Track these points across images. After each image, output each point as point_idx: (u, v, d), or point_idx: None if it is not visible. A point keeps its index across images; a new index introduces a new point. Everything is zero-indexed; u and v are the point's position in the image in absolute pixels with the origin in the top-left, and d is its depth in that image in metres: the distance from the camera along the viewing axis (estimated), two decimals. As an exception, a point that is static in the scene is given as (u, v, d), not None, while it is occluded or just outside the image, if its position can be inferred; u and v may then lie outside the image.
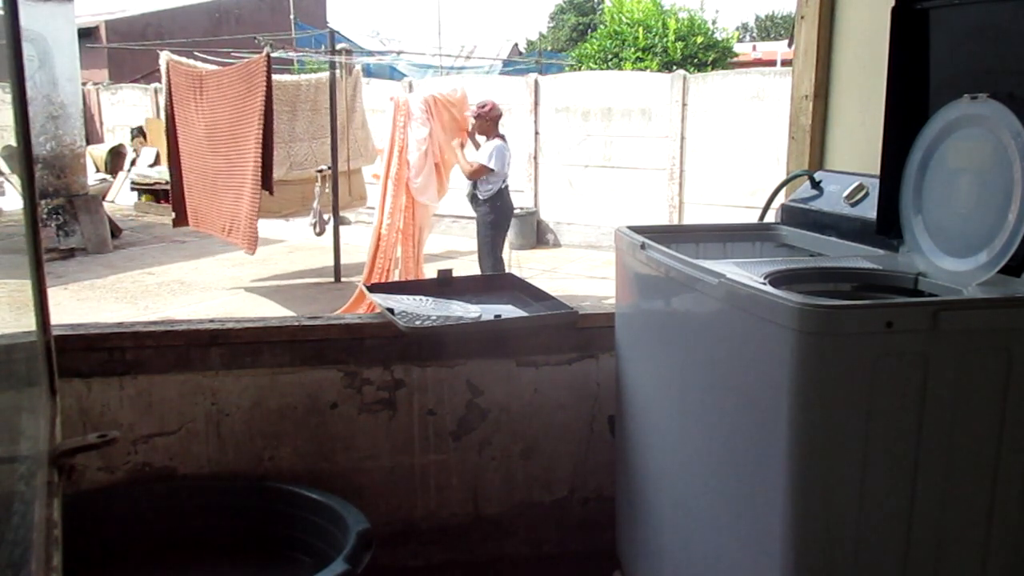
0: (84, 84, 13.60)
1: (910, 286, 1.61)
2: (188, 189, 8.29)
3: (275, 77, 8.93)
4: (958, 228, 1.58)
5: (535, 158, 11.55)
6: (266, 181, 7.38)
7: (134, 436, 2.22)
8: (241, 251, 9.91)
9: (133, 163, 14.58)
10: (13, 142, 1.26)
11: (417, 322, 2.29)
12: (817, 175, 2.15)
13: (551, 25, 30.70)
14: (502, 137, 7.11)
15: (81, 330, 2.22)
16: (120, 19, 21.47)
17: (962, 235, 1.56)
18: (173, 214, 8.68)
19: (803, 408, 1.31)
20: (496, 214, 7.13)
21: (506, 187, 7.13)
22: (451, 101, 7.28)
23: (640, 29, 14.00)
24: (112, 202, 13.56)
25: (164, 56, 8.27)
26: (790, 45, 11.27)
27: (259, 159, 7.30)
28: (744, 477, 1.48)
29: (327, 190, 8.51)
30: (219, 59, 9.17)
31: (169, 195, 8.96)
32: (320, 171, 8.45)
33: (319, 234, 8.61)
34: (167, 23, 21.67)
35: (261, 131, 7.26)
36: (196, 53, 9.52)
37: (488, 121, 7.04)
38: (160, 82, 8.87)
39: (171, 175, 8.57)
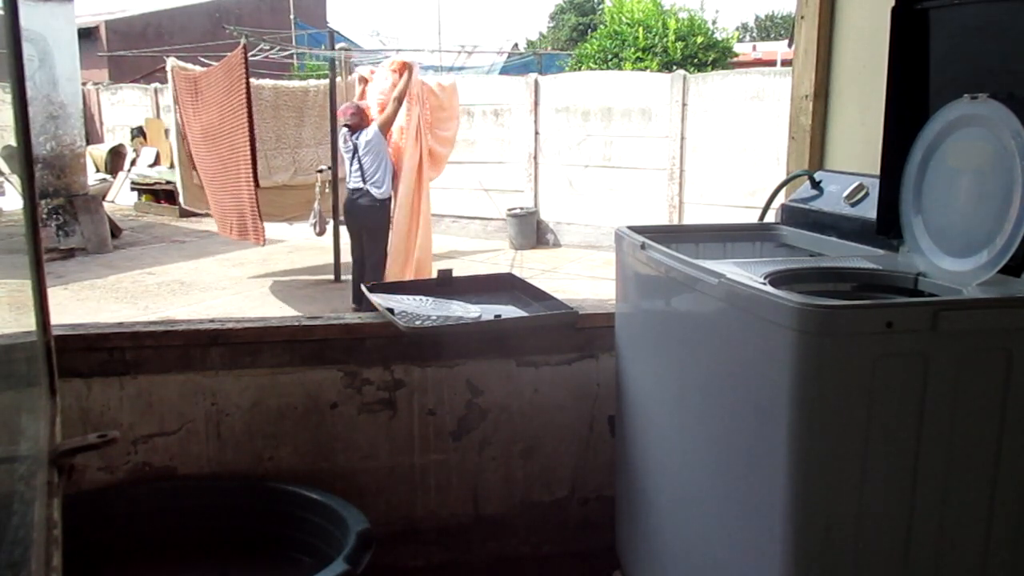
0: (84, 84, 13.60)
1: (910, 286, 1.61)
2: (207, 190, 8.34)
3: (282, 82, 8.99)
4: (958, 228, 1.58)
5: (535, 158, 11.55)
6: (255, 175, 7.37)
7: (134, 436, 2.22)
8: (241, 251, 9.94)
9: (133, 163, 14.58)
10: (13, 142, 1.26)
11: (417, 322, 2.29)
12: (817, 175, 2.15)
13: (551, 25, 30.69)
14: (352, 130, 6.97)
15: (81, 330, 2.22)
16: (120, 19, 21.46)
17: (962, 235, 1.56)
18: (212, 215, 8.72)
19: (803, 408, 1.31)
20: None
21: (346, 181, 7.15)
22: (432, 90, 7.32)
23: (640, 29, 13.99)
24: (112, 202, 13.57)
25: (170, 62, 8.30)
26: (790, 45, 11.26)
27: (249, 154, 7.29)
28: (744, 477, 1.48)
29: (327, 191, 8.52)
30: (218, 60, 9.18)
31: (184, 199, 9.01)
32: (320, 171, 8.47)
33: (319, 234, 8.62)
34: (167, 23, 21.66)
35: (247, 126, 7.25)
36: (200, 58, 9.54)
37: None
38: (162, 83, 8.90)
39: (192, 178, 8.61)
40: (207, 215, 9.07)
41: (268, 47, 9.43)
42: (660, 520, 1.88)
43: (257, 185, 7.40)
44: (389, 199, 7.06)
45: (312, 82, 9.54)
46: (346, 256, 9.56)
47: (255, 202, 7.39)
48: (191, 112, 8.09)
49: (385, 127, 6.98)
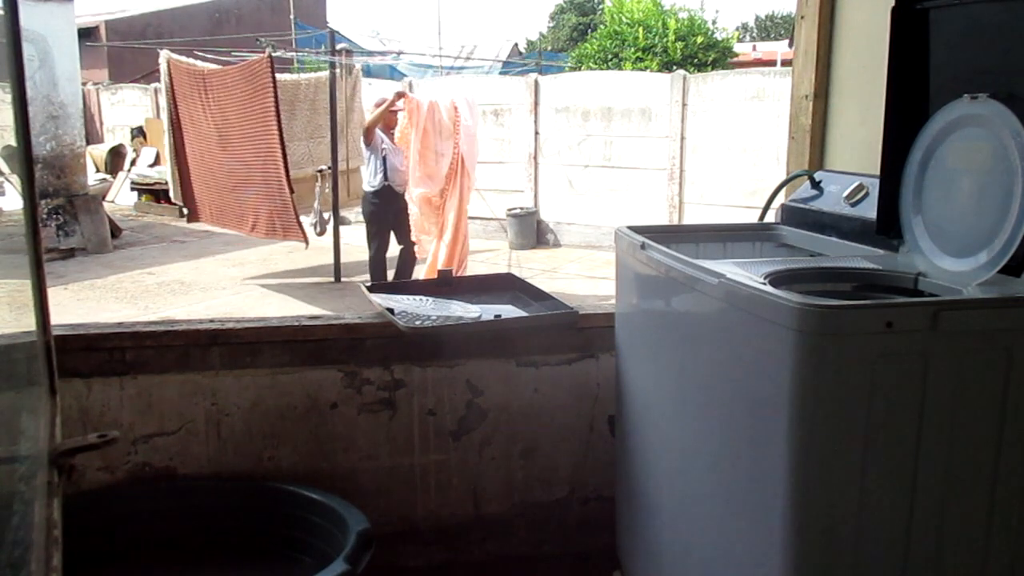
0: (84, 84, 13.60)
1: (910, 286, 1.61)
2: (200, 186, 8.32)
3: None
4: (958, 228, 1.58)
5: (535, 158, 11.55)
6: (288, 179, 7.56)
7: (134, 436, 2.22)
8: (241, 251, 9.94)
9: (133, 163, 14.57)
10: (13, 142, 1.26)
11: (417, 322, 2.29)
12: (817, 175, 2.14)
13: (551, 25, 30.71)
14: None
15: (81, 330, 2.22)
16: (120, 19, 21.47)
17: (962, 235, 1.56)
18: (186, 211, 8.71)
19: (803, 408, 1.31)
20: None
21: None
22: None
23: (640, 29, 14.00)
24: (112, 202, 13.56)
25: (164, 55, 8.26)
26: (790, 45, 11.26)
27: (280, 157, 7.43)
28: (744, 477, 1.48)
29: (327, 190, 8.52)
30: (219, 59, 9.15)
31: (174, 193, 8.98)
32: (320, 171, 8.47)
33: (320, 234, 8.62)
34: (167, 23, 21.67)
35: (277, 130, 7.38)
36: (197, 52, 9.52)
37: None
38: (160, 81, 8.86)
39: (179, 172, 8.59)
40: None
41: (281, 51, 9.44)
42: (660, 520, 1.88)
43: (292, 191, 7.54)
44: (374, 192, 7.40)
45: (304, 76, 9.51)
46: (356, 255, 9.63)
47: (291, 204, 7.54)
48: (199, 109, 8.05)
49: (367, 131, 7.39)
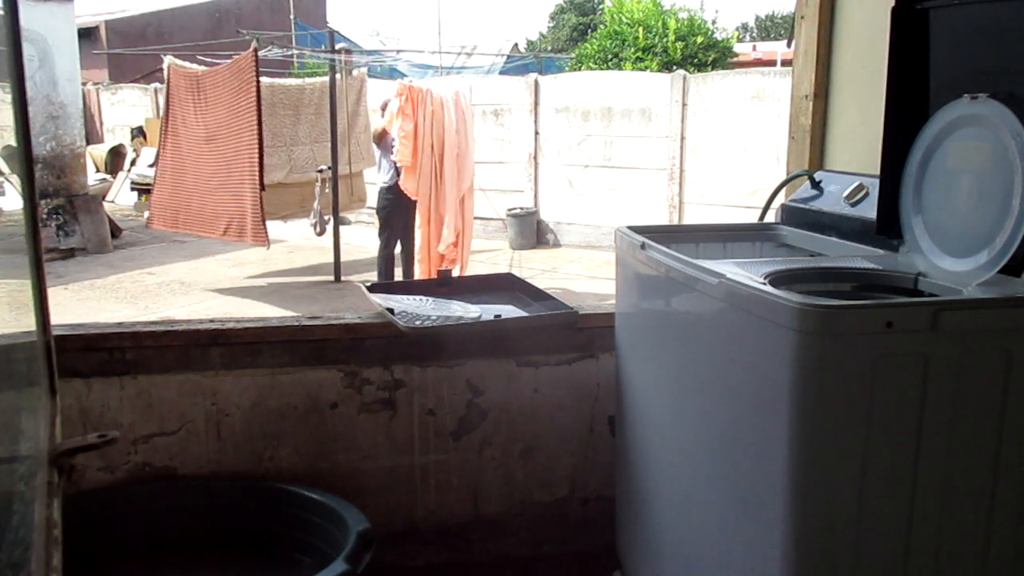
0: (84, 84, 13.60)
1: (910, 286, 1.61)
2: (176, 191, 8.29)
3: (278, 80, 8.98)
4: (958, 228, 1.58)
5: (535, 158, 11.55)
6: (261, 177, 7.50)
7: (134, 436, 2.22)
8: (241, 251, 9.93)
9: (133, 163, 14.57)
10: (13, 142, 1.26)
11: (417, 322, 2.29)
12: (817, 175, 2.15)
13: (551, 25, 30.68)
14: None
15: (81, 330, 2.22)
16: (120, 19, 21.46)
17: (962, 235, 1.56)
18: (147, 213, 8.71)
19: (803, 408, 1.31)
20: None
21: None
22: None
23: (640, 29, 13.98)
24: (112, 202, 13.56)
25: (167, 60, 8.28)
26: (790, 45, 11.26)
27: (255, 155, 7.38)
28: (744, 477, 1.48)
29: (327, 190, 8.51)
30: (220, 60, 9.15)
31: (151, 194, 8.99)
32: (320, 171, 8.47)
33: (319, 234, 8.62)
34: (167, 23, 21.66)
35: (256, 128, 7.34)
36: (199, 57, 9.52)
37: None
38: (162, 83, 8.86)
39: (155, 176, 8.60)
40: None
41: (281, 50, 9.42)
42: (660, 520, 1.88)
43: (263, 188, 7.51)
44: (387, 188, 7.58)
45: (308, 80, 9.51)
46: (356, 255, 9.63)
47: (259, 204, 7.49)
48: (191, 111, 8.06)
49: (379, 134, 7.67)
